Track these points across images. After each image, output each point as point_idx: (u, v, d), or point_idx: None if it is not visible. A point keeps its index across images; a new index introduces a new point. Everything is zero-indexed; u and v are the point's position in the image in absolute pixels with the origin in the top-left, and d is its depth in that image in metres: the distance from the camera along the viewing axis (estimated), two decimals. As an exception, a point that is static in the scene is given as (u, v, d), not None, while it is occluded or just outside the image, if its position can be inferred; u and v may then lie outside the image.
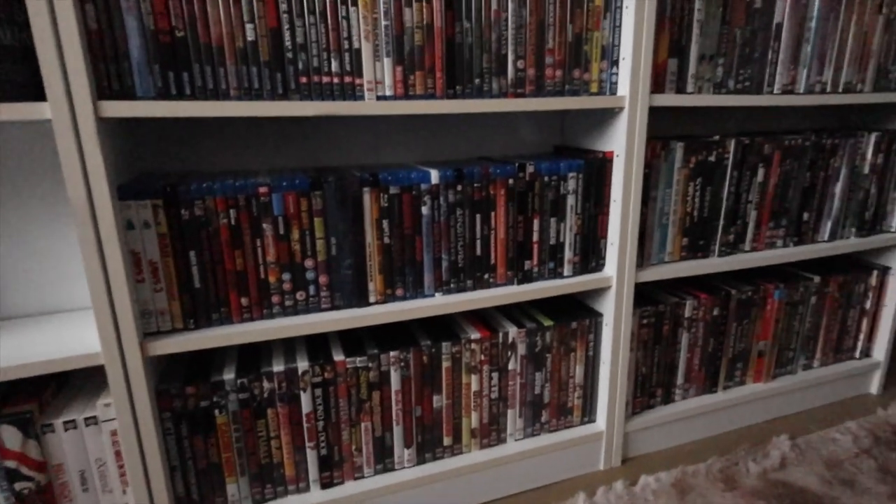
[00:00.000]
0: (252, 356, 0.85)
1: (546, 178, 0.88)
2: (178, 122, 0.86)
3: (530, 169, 0.87)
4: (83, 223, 0.64)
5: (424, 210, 0.83)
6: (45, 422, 0.71)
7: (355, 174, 0.79)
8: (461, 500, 0.95)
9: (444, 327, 0.94)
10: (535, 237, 0.91)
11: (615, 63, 0.88)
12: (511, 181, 0.86)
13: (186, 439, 0.78)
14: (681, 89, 0.93)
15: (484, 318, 0.98)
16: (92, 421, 0.73)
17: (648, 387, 1.08)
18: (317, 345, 0.88)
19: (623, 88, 0.88)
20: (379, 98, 0.76)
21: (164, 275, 0.72)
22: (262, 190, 0.74)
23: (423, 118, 0.99)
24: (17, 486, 0.71)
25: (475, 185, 0.85)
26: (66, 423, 0.72)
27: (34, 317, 0.84)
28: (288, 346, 0.88)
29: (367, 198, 0.79)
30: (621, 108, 0.89)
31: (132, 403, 0.72)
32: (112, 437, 0.74)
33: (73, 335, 0.75)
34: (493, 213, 0.87)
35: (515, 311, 1.01)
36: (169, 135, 0.86)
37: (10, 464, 0.70)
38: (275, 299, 0.78)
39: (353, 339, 0.90)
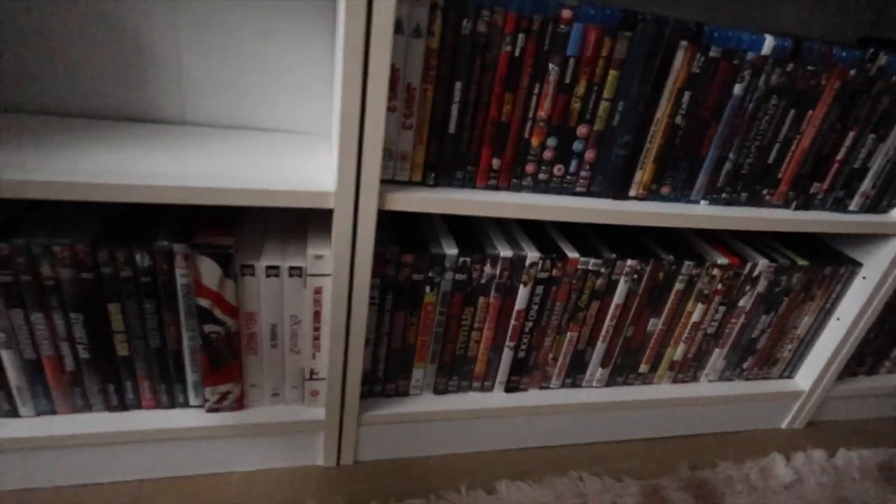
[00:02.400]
0: (464, 231, 0.70)
1: (895, 79, 0.66)
2: None
3: (881, 62, 0.64)
4: (356, 12, 0.46)
5: (737, 89, 0.62)
6: (245, 262, 0.58)
7: (677, 21, 0.57)
8: (636, 429, 0.85)
9: (676, 240, 0.78)
10: (840, 154, 0.70)
11: None
12: (852, 73, 0.64)
13: (388, 312, 0.66)
14: None
15: (718, 238, 0.81)
16: (296, 272, 0.60)
17: (863, 354, 0.93)
18: (534, 231, 0.73)
19: None
20: None
21: (420, 106, 0.54)
22: (566, 14, 0.53)
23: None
24: (207, 328, 0.60)
25: (808, 67, 0.62)
26: (268, 268, 0.59)
27: (252, 131, 0.69)
28: (504, 227, 0.72)
29: (679, 56, 0.58)
30: None
31: (352, 261, 0.58)
32: (314, 295, 0.61)
33: (292, 164, 0.60)
34: (809, 112, 0.65)
35: (751, 237, 0.83)
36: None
37: (204, 302, 0.58)
38: (529, 168, 0.61)
39: (573, 234, 0.74)
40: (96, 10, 0.61)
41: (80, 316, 0.57)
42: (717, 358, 0.84)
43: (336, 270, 0.58)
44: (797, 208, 0.73)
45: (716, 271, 0.75)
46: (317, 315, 0.63)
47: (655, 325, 0.77)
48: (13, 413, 0.61)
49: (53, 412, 0.62)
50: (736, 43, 0.59)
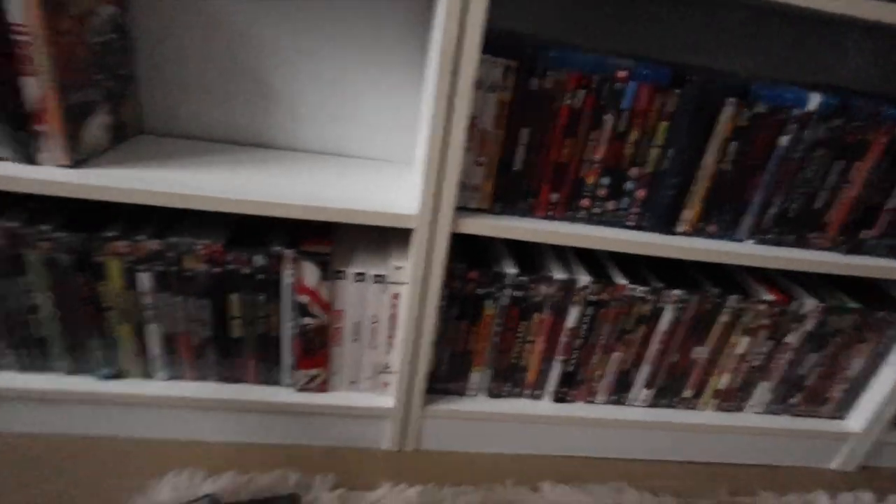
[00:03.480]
0: (524, 254, 0.79)
1: (945, 134, 0.69)
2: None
3: (932, 117, 0.67)
4: (444, 73, 0.57)
5: (783, 141, 0.67)
6: (339, 268, 0.71)
7: (725, 79, 0.64)
8: (677, 451, 0.90)
9: (724, 275, 0.82)
10: (892, 203, 0.73)
11: None
12: (901, 128, 0.68)
13: (453, 320, 0.76)
14: None
15: (770, 276, 0.85)
16: (380, 279, 0.71)
17: (923, 402, 0.92)
18: (589, 259, 0.80)
19: None
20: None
21: (491, 148, 0.65)
22: (621, 74, 0.62)
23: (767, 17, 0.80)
24: (304, 320, 0.72)
25: (854, 123, 0.67)
26: (357, 274, 0.71)
27: (341, 157, 0.83)
28: (559, 254, 0.81)
29: (726, 111, 0.65)
30: None
31: (426, 273, 0.69)
32: (392, 300, 0.73)
33: (381, 189, 0.72)
34: (856, 164, 0.70)
35: (803, 275, 0.86)
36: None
37: (304, 299, 0.71)
38: (584, 203, 0.70)
39: (627, 263, 0.81)
40: (231, 49, 0.77)
41: (207, 302, 0.71)
42: (763, 391, 0.87)
43: (412, 281, 0.69)
44: (847, 252, 0.76)
45: (762, 307, 0.79)
46: (393, 317, 0.74)
47: (700, 353, 0.82)
48: (148, 376, 0.76)
49: (180, 378, 0.76)
50: (782, 100, 0.65)
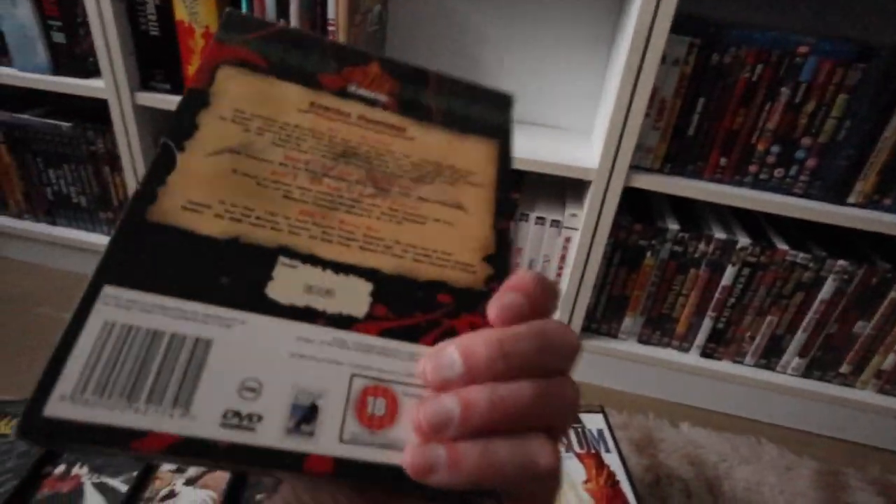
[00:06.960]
0: (686, 215, 0.88)
1: None
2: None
3: None
4: (635, 50, 0.69)
5: (980, 115, 0.68)
6: (523, 212, 0.87)
7: (914, 53, 0.67)
8: (825, 426, 0.91)
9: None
10: None
11: None
12: None
13: (615, 267, 0.88)
14: None
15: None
16: (556, 224, 0.86)
17: None
18: (751, 226, 0.86)
19: None
20: None
21: (668, 115, 0.76)
22: (802, 49, 0.68)
23: None
24: (490, 252, 0.90)
25: None
26: (538, 218, 0.86)
27: (532, 125, 1.00)
28: (720, 215, 0.88)
29: (914, 84, 0.68)
30: None
31: (597, 222, 0.82)
32: (564, 243, 0.87)
33: (565, 149, 0.86)
34: None
35: None
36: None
37: (493, 234, 0.89)
38: (752, 168, 0.77)
39: (793, 233, 0.85)
40: (454, 37, 0.96)
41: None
42: (935, 379, 0.85)
43: (584, 227, 0.82)
44: None
45: (940, 288, 0.78)
46: (562, 258, 0.88)
47: (863, 328, 0.83)
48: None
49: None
50: (981, 74, 0.65)
